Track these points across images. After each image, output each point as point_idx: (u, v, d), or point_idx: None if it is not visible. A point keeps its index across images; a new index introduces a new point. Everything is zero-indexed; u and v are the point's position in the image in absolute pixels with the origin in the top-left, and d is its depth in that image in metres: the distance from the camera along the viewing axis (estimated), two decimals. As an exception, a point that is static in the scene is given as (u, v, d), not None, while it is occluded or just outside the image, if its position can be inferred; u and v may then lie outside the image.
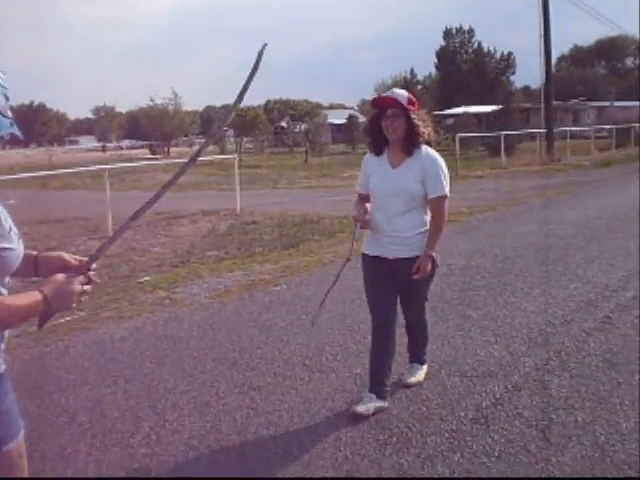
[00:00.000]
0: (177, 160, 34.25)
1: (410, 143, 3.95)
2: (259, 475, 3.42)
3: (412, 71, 67.07)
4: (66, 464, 3.50)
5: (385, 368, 4.08)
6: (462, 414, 3.96)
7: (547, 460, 3.41)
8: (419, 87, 63.80)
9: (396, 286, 4.10)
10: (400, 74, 62.67)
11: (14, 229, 2.03)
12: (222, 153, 34.53)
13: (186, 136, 65.34)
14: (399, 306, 4.21)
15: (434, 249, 4.00)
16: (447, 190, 3.96)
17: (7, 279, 2.05)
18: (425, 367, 4.51)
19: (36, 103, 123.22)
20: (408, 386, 4.33)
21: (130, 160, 41.98)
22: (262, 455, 3.60)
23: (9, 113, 2.04)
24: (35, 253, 2.20)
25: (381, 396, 4.04)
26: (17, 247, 2.00)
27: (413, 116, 3.90)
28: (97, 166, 18.45)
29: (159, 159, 40.02)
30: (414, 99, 3.99)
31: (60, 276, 2.04)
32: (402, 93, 3.98)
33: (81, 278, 2.05)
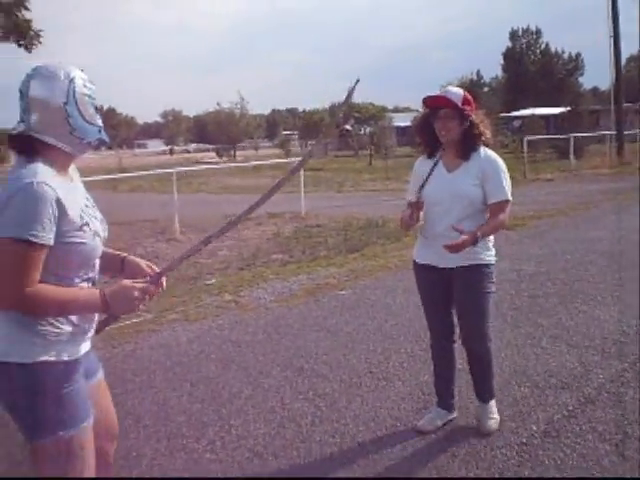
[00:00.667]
0: (243, 164, 34.69)
1: (466, 146, 3.63)
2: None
3: (478, 73, 66.30)
4: (131, 468, 3.51)
5: (449, 381, 3.94)
6: (533, 427, 3.81)
7: (622, 476, 3.25)
8: (485, 89, 62.99)
9: (452, 298, 3.79)
10: (466, 76, 61.81)
11: (93, 225, 2.21)
12: (287, 156, 34.71)
13: (252, 139, 66.01)
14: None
15: (482, 236, 3.52)
16: (509, 194, 3.62)
17: (85, 272, 2.23)
18: (493, 401, 3.90)
19: (106, 107, 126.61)
20: (490, 433, 3.74)
21: (197, 163, 42.66)
22: (327, 464, 3.54)
23: (97, 121, 2.26)
24: (124, 255, 2.44)
25: (448, 408, 3.93)
26: (90, 242, 2.17)
27: (469, 117, 3.60)
28: (164, 170, 18.71)
29: (225, 162, 40.47)
30: (471, 98, 3.69)
31: (126, 281, 2.20)
32: (457, 92, 3.67)
33: (145, 286, 2.15)
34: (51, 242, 2.05)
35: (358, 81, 2.56)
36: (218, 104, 57.64)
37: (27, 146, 2.15)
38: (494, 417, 3.81)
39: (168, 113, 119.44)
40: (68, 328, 2.18)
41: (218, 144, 58.73)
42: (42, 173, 2.07)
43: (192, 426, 4.04)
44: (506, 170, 3.67)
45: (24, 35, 12.67)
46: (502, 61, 66.03)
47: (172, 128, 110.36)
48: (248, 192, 22.54)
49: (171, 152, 78.98)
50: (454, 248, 3.41)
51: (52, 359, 2.13)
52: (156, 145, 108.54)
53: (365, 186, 22.91)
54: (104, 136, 2.31)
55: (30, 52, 12.96)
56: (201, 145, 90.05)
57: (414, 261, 3.92)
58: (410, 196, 3.82)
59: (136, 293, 2.14)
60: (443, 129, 3.60)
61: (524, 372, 4.64)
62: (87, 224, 2.18)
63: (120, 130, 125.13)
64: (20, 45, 12.88)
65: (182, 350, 5.53)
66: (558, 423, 3.85)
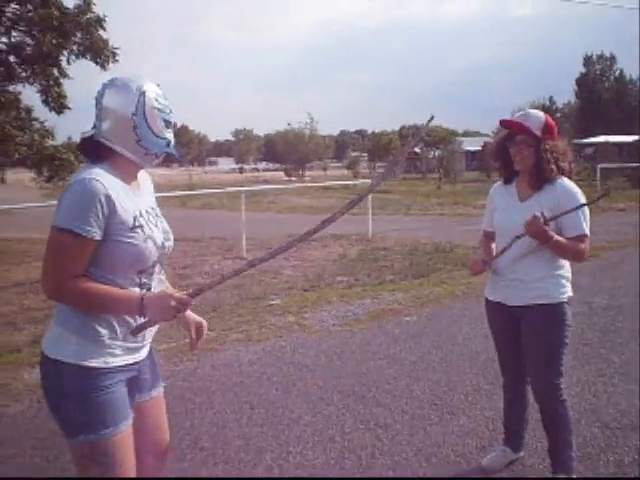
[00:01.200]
0: (311, 184, 34.84)
1: (539, 177, 3.33)
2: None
3: (551, 99, 65.19)
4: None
5: (519, 421, 3.73)
6: (602, 469, 3.63)
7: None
8: (558, 115, 61.80)
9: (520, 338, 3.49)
10: (538, 101, 60.82)
11: (148, 230, 2.27)
12: (355, 177, 34.71)
13: (320, 160, 66.39)
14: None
15: (554, 245, 3.22)
16: (587, 229, 3.28)
17: (136, 276, 2.28)
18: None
19: (179, 125, 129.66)
20: None
21: (265, 182, 43.10)
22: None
23: (166, 134, 2.33)
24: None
25: (516, 448, 3.74)
26: (141, 244, 2.23)
27: (547, 147, 3.29)
28: (234, 188, 18.92)
29: (294, 182, 40.75)
30: (553, 125, 3.39)
31: (165, 291, 2.31)
32: (537, 117, 3.37)
33: (182, 297, 2.19)
34: (96, 236, 2.14)
35: (432, 118, 2.58)
36: (288, 124, 58.26)
37: (94, 151, 2.27)
38: None
39: (240, 132, 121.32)
40: (113, 336, 2.25)
41: (287, 163, 59.26)
42: (98, 172, 2.17)
43: (250, 451, 3.97)
44: (584, 200, 3.34)
45: (100, 53, 13.03)
46: (575, 87, 64.84)
47: (243, 147, 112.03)
48: (315, 213, 22.62)
49: (241, 170, 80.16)
50: (527, 227, 3.17)
51: (93, 364, 2.20)
52: (227, 163, 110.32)
53: (433, 210, 22.66)
54: (172, 150, 2.38)
55: (105, 70, 13.30)
56: (270, 164, 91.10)
57: (486, 298, 3.68)
58: (485, 224, 3.68)
59: (173, 303, 2.16)
60: (517, 156, 3.36)
61: (594, 411, 4.43)
62: (141, 226, 2.25)
63: (192, 147, 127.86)
64: (97, 63, 13.24)
65: (243, 371, 5.49)
66: (628, 466, 3.66)
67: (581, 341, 5.94)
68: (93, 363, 2.20)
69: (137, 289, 2.28)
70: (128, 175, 2.32)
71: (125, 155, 2.27)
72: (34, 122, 14.01)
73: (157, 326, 2.42)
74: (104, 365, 2.23)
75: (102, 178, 2.15)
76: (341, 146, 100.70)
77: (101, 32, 13.07)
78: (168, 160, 2.69)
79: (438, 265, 10.69)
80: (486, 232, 3.70)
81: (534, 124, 3.34)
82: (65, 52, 13.06)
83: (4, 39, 13.16)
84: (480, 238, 3.80)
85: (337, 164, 78.87)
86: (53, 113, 13.93)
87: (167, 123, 2.34)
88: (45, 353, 2.26)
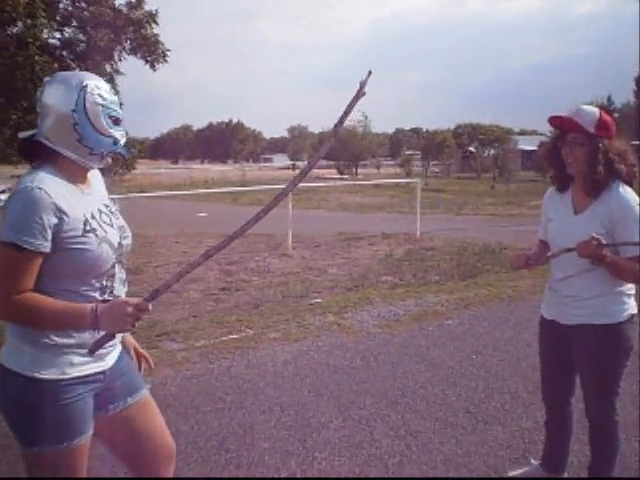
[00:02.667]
0: (360, 182, 34.72)
1: (595, 182, 2.98)
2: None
3: (609, 98, 63.38)
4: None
5: (558, 448, 3.47)
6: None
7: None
8: (616, 115, 60.19)
9: (570, 361, 3.26)
10: (596, 100, 59.30)
11: (101, 232, 2.15)
12: (407, 176, 34.45)
13: (374, 157, 66.11)
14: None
15: (609, 265, 2.91)
16: None
17: (95, 280, 2.15)
18: None
19: (235, 121, 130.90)
20: None
21: (317, 179, 43.13)
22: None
23: (112, 132, 2.18)
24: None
25: (550, 471, 3.48)
26: (95, 249, 2.10)
27: (601, 146, 2.96)
28: (281, 186, 18.92)
29: (346, 180, 40.66)
30: (609, 122, 3.05)
31: (119, 299, 2.12)
32: (590, 112, 3.04)
33: (139, 302, 2.02)
34: (44, 249, 2.01)
35: (370, 73, 2.26)
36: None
37: (36, 152, 2.16)
38: None
39: (294, 129, 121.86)
40: (70, 343, 2.13)
41: (340, 161, 59.17)
42: (42, 179, 2.05)
43: (275, 455, 3.89)
44: None
45: (152, 50, 13.14)
46: (634, 87, 62.93)
47: (297, 144, 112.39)
48: (365, 211, 22.51)
49: (293, 167, 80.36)
50: (581, 247, 2.87)
51: (47, 375, 2.10)
52: (281, 160, 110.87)
53: (485, 210, 22.29)
54: (121, 149, 2.25)
55: (155, 69, 13.41)
56: (324, 162, 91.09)
57: (541, 315, 3.40)
58: (540, 232, 3.40)
59: (129, 309, 1.99)
60: (569, 157, 3.04)
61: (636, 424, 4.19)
62: (93, 230, 2.12)
63: (247, 144, 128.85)
64: (147, 62, 13.36)
65: (277, 371, 5.41)
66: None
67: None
68: (49, 375, 2.09)
69: (97, 294, 2.16)
70: (75, 176, 2.19)
71: (67, 155, 2.15)
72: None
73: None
74: (61, 376, 2.11)
75: (46, 185, 2.03)
76: (396, 144, 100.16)
77: (154, 27, 13.19)
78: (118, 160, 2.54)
79: (486, 266, 10.45)
80: (541, 240, 3.41)
81: (586, 120, 3.01)
82: (117, 48, 13.22)
83: (58, 35, 13.40)
84: (536, 243, 3.50)
85: (391, 162, 78.37)
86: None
87: (115, 120, 2.19)
88: (0, 362, 2.16)
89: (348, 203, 26.22)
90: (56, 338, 2.10)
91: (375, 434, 4.16)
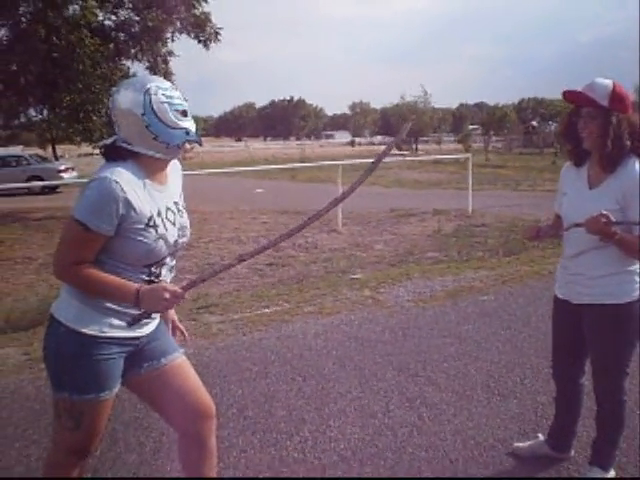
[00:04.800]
0: (422, 158, 34.41)
1: (610, 156, 2.96)
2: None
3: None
4: (218, 458, 3.53)
5: (565, 426, 3.50)
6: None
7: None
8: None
9: (582, 340, 3.26)
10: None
11: (162, 230, 2.39)
12: (467, 152, 33.92)
13: (435, 132, 65.38)
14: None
15: (620, 242, 2.91)
16: None
17: (147, 268, 2.41)
18: (610, 475, 3.29)
19: (296, 98, 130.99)
20: None
21: (375, 155, 42.95)
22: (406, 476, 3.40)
23: (182, 124, 2.40)
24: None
25: (555, 449, 3.53)
26: (152, 243, 2.36)
27: (614, 119, 2.92)
28: (332, 162, 18.95)
29: (405, 156, 40.37)
30: (624, 94, 2.99)
31: (161, 284, 2.36)
32: (604, 85, 2.98)
33: (176, 290, 2.30)
34: (108, 232, 2.27)
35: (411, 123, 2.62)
36: (402, 97, 57.81)
37: (118, 155, 2.38)
38: None
39: (356, 105, 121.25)
40: (113, 307, 2.38)
41: (401, 137, 58.68)
42: (120, 173, 2.28)
43: (291, 422, 4.03)
44: None
45: (203, 29, 13.32)
46: None
47: (358, 120, 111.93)
48: (421, 187, 22.39)
49: (352, 144, 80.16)
50: (590, 222, 2.88)
51: (87, 330, 2.34)
52: (343, 136, 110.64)
53: (543, 186, 21.82)
54: (193, 137, 2.45)
55: (208, 48, 13.60)
56: (386, 138, 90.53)
57: (555, 294, 3.43)
58: (556, 206, 3.37)
59: (167, 295, 2.27)
60: (584, 131, 3.01)
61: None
62: (155, 227, 2.36)
63: (309, 121, 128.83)
64: (200, 41, 13.56)
65: (307, 343, 5.55)
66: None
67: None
68: (88, 330, 2.33)
69: (145, 276, 2.41)
70: (154, 170, 2.43)
71: (149, 154, 2.37)
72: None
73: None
74: (99, 334, 2.35)
75: (122, 179, 2.26)
76: (459, 119, 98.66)
77: (203, 6, 13.35)
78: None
79: (533, 243, 10.32)
80: (557, 214, 3.38)
81: (599, 94, 2.97)
82: (170, 28, 13.44)
83: (113, 17, 13.70)
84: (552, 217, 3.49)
85: (453, 138, 77.41)
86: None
87: (182, 112, 2.40)
88: (51, 312, 2.43)
89: (404, 179, 26.08)
90: (102, 299, 2.36)
91: (390, 405, 4.26)
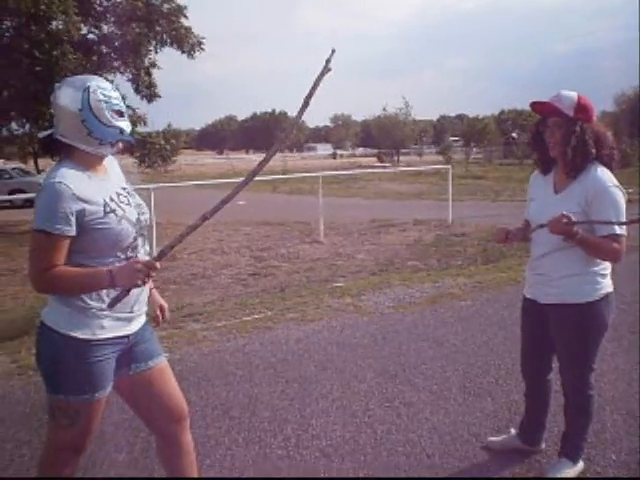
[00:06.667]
0: (403, 169, 34.68)
1: (574, 163, 3.14)
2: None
3: (657, 81, 61.71)
4: (204, 456, 3.67)
5: (534, 420, 3.69)
6: (613, 456, 3.63)
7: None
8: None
9: (549, 338, 3.43)
10: (642, 85, 57.74)
11: (120, 212, 2.50)
12: (447, 162, 34.29)
13: (416, 144, 65.89)
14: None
15: (581, 242, 3.06)
16: (617, 227, 3.05)
17: (120, 252, 2.52)
18: (579, 467, 3.46)
19: (278, 111, 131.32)
20: None
21: (360, 168, 43.24)
22: (384, 471, 3.56)
23: (117, 123, 2.53)
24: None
25: (526, 442, 3.72)
26: (116, 226, 2.46)
27: (578, 128, 3.10)
28: (310, 174, 19.10)
29: (386, 168, 40.66)
30: (588, 105, 3.18)
31: (131, 259, 2.48)
32: (569, 97, 3.16)
33: (148, 261, 2.38)
34: (69, 232, 2.37)
35: (334, 51, 2.67)
36: (384, 109, 58.15)
37: (55, 148, 2.54)
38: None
39: (338, 117, 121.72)
40: (101, 307, 2.48)
41: (382, 149, 59.14)
42: (63, 174, 2.41)
43: (274, 422, 4.18)
44: (619, 196, 3.10)
45: (184, 42, 13.52)
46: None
47: (340, 132, 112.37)
48: (402, 199, 22.63)
49: (334, 156, 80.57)
50: (552, 223, 3.03)
51: (80, 335, 2.45)
52: (325, 149, 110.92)
53: (523, 196, 21.84)
54: (127, 137, 2.61)
55: (193, 59, 13.80)
56: (368, 150, 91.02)
57: (523, 294, 3.61)
58: (525, 212, 3.52)
59: (139, 266, 2.33)
60: (550, 140, 3.21)
61: (621, 398, 4.38)
62: (113, 211, 2.47)
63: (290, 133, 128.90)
64: (183, 52, 13.76)
65: (289, 348, 5.70)
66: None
67: (629, 329, 5.82)
68: (81, 335, 2.45)
69: (92, 262, 2.49)
70: (92, 165, 2.56)
71: (82, 148, 2.50)
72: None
73: (146, 297, 2.68)
74: (92, 337, 2.47)
75: (66, 178, 2.38)
76: (440, 131, 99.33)
77: (183, 20, 13.55)
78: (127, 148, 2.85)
79: (511, 252, 10.55)
80: (525, 220, 3.53)
81: (565, 104, 3.15)
82: (152, 41, 13.62)
83: (96, 31, 13.85)
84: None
85: (434, 149, 78.01)
86: (144, 101, 14.65)
87: (118, 112, 2.55)
88: (41, 319, 2.54)
89: (386, 191, 26.33)
90: (90, 302, 2.47)
91: (370, 404, 4.43)
